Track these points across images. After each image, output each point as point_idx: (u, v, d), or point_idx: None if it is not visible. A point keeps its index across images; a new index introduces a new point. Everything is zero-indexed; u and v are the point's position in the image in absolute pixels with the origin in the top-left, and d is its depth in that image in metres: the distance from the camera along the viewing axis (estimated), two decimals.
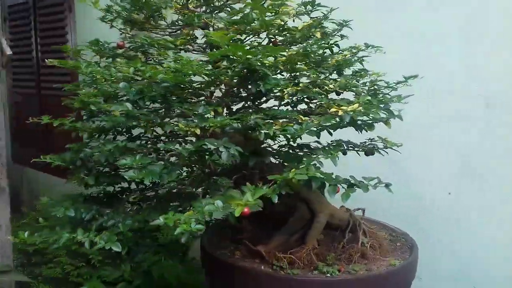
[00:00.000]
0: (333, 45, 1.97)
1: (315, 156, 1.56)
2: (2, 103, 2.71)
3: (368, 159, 2.33)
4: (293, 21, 1.93)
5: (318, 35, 1.85)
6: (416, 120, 2.42)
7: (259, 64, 1.53)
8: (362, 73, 1.83)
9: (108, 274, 3.05)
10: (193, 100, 1.76)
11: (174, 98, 1.66)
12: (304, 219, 1.94)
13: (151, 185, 2.23)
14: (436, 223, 2.45)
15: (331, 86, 1.68)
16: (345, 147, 2.00)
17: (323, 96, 1.65)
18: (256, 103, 1.83)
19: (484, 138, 2.29)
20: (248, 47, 1.64)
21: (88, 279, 3.20)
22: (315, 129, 1.69)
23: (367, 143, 1.98)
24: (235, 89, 1.76)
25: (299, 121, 1.56)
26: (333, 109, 1.59)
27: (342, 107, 1.58)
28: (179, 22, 1.93)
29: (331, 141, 2.01)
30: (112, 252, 1.74)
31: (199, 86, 1.62)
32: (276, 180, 1.49)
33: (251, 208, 1.42)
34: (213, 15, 1.76)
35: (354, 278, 1.71)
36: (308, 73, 1.71)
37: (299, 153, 1.84)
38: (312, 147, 2.01)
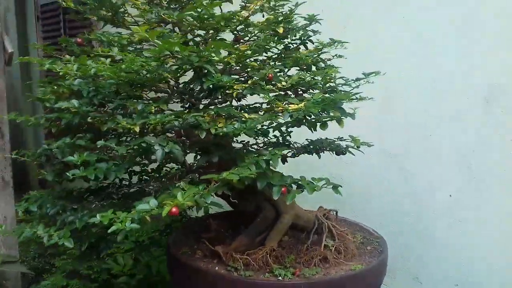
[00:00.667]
0: (306, 41, 1.93)
1: (256, 155, 1.51)
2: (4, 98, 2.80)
3: (374, 161, 2.38)
4: (263, 16, 1.89)
5: (280, 30, 1.79)
6: (416, 120, 2.36)
7: (198, 60, 1.50)
8: (326, 69, 1.75)
9: (112, 267, 3.12)
10: (149, 97, 1.75)
11: (124, 95, 1.65)
12: (269, 219, 1.89)
13: (137, 182, 2.26)
14: (435, 224, 2.35)
15: (283, 83, 1.62)
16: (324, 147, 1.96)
17: (268, 93, 1.58)
18: (216, 100, 1.79)
19: (481, 138, 2.18)
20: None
21: (97, 271, 3.27)
22: (267, 127, 1.65)
23: (335, 142, 1.90)
24: (191, 85, 1.73)
25: (243, 119, 1.52)
26: (280, 108, 1.53)
27: (291, 105, 1.52)
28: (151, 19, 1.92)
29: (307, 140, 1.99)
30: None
31: (144, 83, 1.60)
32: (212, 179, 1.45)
33: (181, 208, 1.40)
34: (169, 11, 1.73)
35: (306, 282, 1.64)
36: (262, 71, 1.65)
37: (248, 152, 1.79)
38: (296, 145, 2.00)
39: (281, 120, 1.55)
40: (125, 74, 1.54)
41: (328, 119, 1.58)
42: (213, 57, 1.56)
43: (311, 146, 2.00)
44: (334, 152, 1.94)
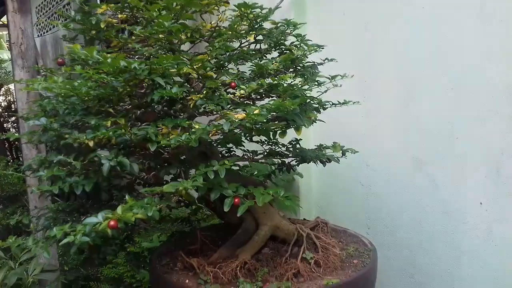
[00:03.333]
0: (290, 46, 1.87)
1: (203, 167, 1.48)
2: None
3: (402, 167, 2.32)
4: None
5: (252, 38, 1.76)
6: (441, 122, 2.19)
7: (148, 73, 1.50)
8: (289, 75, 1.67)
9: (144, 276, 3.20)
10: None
11: (92, 110, 1.69)
12: (250, 231, 1.85)
13: None
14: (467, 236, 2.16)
15: (242, 91, 1.58)
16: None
17: (226, 102, 1.55)
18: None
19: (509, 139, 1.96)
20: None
21: (140, 280, 3.37)
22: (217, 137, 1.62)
23: (316, 151, 1.82)
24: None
25: (192, 130, 1.49)
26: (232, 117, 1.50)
27: (239, 115, 1.48)
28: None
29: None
30: None
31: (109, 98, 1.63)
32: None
33: (124, 221, 1.40)
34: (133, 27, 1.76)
35: None
36: (222, 79, 1.62)
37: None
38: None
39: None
40: (85, 91, 1.58)
41: (278, 127, 1.51)
42: (171, 69, 1.57)
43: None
44: (318, 161, 1.85)
